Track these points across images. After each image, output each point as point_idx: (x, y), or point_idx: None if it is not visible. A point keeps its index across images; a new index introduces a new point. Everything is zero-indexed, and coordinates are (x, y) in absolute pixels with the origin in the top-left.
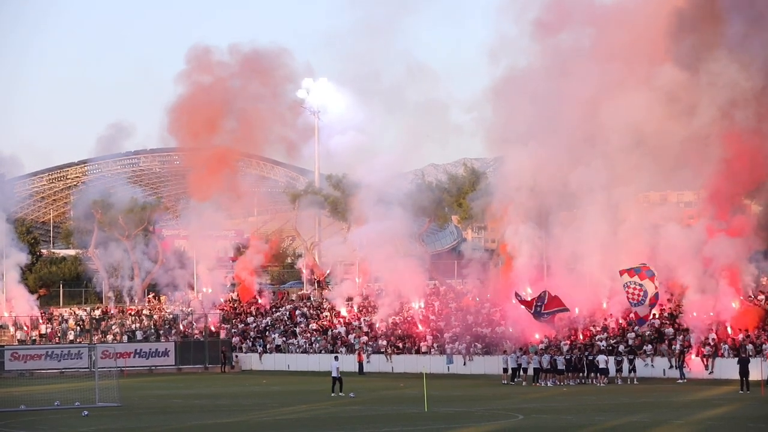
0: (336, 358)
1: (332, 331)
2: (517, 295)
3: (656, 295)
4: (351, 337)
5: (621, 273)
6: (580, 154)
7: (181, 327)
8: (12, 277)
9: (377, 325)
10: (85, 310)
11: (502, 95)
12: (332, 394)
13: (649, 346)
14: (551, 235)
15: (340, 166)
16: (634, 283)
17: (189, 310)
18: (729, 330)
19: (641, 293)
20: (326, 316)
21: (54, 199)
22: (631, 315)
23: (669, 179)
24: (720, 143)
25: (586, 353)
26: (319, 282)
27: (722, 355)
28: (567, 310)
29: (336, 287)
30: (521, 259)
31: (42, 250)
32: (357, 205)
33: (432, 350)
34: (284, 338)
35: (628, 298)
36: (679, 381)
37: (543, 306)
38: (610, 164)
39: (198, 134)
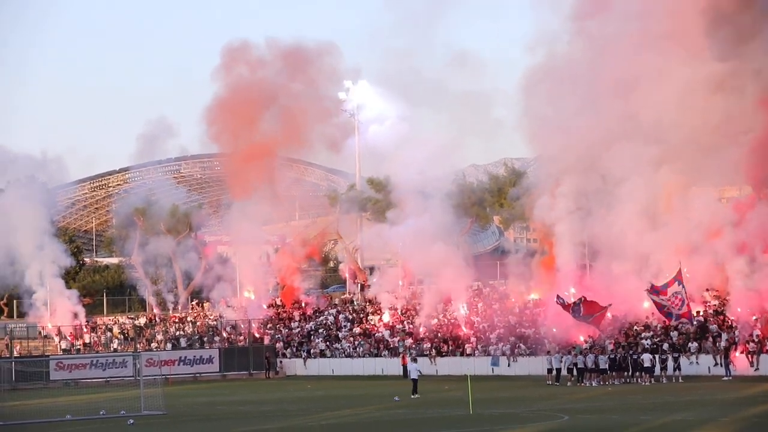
0: (414, 360)
1: (375, 335)
2: (558, 297)
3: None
4: (395, 340)
5: (656, 291)
6: (619, 140)
7: (225, 333)
8: (57, 286)
9: (421, 329)
10: (129, 318)
11: (541, 83)
12: (413, 396)
13: (694, 344)
14: (592, 225)
15: (380, 158)
16: (675, 293)
17: (233, 316)
18: None
19: (680, 301)
20: (370, 319)
21: (96, 208)
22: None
23: (710, 169)
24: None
25: (631, 352)
26: (362, 285)
27: (767, 352)
28: (605, 309)
29: (377, 283)
30: (564, 245)
31: (85, 259)
32: (396, 198)
33: (476, 352)
34: (328, 343)
35: (672, 309)
36: (725, 378)
37: (581, 312)
38: (650, 151)
39: (237, 132)
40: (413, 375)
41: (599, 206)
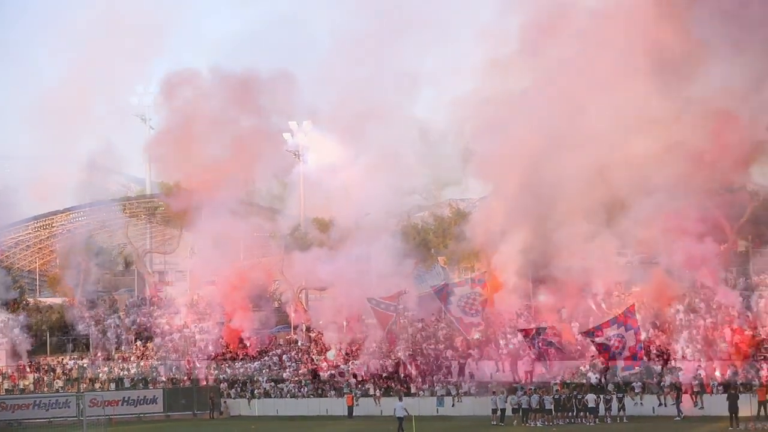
0: (400, 398)
1: (320, 375)
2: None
3: (639, 347)
4: (341, 380)
5: (591, 333)
6: (561, 152)
7: (169, 374)
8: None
9: (365, 369)
10: (73, 359)
11: (483, 113)
12: None
13: (639, 384)
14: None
15: (325, 199)
16: (616, 335)
17: (177, 356)
18: (717, 372)
19: (621, 344)
20: (314, 360)
21: (40, 248)
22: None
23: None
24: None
25: (575, 392)
26: (307, 327)
27: (711, 392)
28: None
29: (317, 318)
30: (505, 260)
31: (28, 299)
32: (340, 236)
33: (421, 392)
34: (272, 383)
35: (612, 349)
36: (677, 419)
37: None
38: (592, 164)
39: (179, 164)
40: (398, 413)
41: (539, 220)
